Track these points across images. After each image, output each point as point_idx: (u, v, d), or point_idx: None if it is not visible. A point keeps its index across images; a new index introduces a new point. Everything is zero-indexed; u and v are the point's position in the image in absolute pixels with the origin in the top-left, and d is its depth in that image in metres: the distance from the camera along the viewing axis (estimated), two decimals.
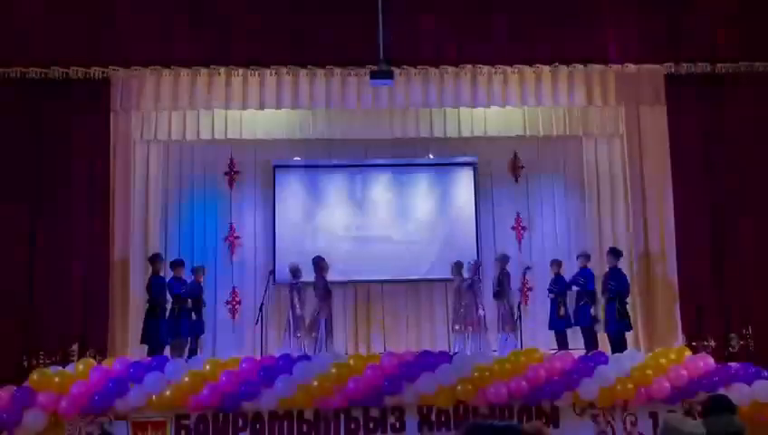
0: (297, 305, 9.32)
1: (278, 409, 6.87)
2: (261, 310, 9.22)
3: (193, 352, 8.88)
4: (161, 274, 8.89)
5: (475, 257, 9.99)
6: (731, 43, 8.68)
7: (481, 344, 9.09)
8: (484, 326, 9.28)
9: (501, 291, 9.30)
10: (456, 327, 9.51)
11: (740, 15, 8.71)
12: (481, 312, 9.31)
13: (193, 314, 9.01)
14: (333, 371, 6.89)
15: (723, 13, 8.70)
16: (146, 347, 8.58)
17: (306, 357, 7.44)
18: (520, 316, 9.25)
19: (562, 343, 8.98)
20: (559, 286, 9.24)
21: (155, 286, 8.71)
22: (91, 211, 8.53)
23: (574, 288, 9.11)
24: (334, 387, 6.80)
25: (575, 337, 9.25)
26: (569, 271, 9.48)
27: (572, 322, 9.09)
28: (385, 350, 9.55)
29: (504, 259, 9.51)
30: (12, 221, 8.30)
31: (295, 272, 9.54)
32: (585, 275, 9.12)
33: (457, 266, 9.79)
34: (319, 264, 9.47)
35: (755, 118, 8.80)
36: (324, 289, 9.32)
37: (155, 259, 8.92)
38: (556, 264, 9.48)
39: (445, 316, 10.52)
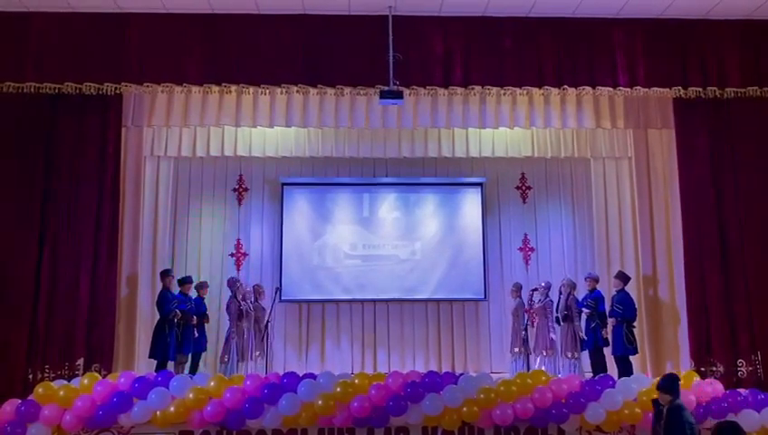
0: (230, 326, 9.13)
1: (282, 427, 6.84)
2: (266, 327, 9.22)
3: (194, 369, 8.87)
4: (171, 289, 8.92)
5: (547, 279, 9.87)
6: (739, 68, 8.72)
7: (555, 368, 8.97)
8: (556, 350, 9.19)
9: (568, 316, 9.11)
10: (516, 350, 9.39)
11: (748, 40, 8.76)
12: (553, 335, 9.21)
13: (195, 331, 9.01)
14: (338, 390, 6.85)
15: (731, 37, 8.76)
16: (152, 361, 8.58)
17: (312, 375, 7.41)
18: (581, 341, 9.05)
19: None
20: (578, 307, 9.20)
21: (165, 302, 8.72)
22: (99, 225, 8.57)
23: (585, 311, 9.05)
24: (338, 406, 6.77)
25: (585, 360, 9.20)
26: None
27: (583, 345, 9.04)
28: (390, 369, 9.52)
29: (571, 284, 9.33)
30: (21, 235, 8.34)
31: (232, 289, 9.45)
32: (594, 297, 9.08)
33: (517, 288, 9.76)
34: (233, 285, 9.33)
35: (763, 142, 8.80)
36: (236, 311, 9.10)
37: (166, 274, 8.95)
38: (569, 285, 9.43)
39: (450, 336, 10.51)
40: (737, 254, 8.68)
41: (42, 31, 8.44)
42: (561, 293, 9.34)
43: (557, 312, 9.26)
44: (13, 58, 8.38)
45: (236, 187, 10.74)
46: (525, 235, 10.89)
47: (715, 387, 7.27)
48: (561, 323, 9.17)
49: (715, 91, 8.72)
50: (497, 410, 6.78)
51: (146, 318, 9.01)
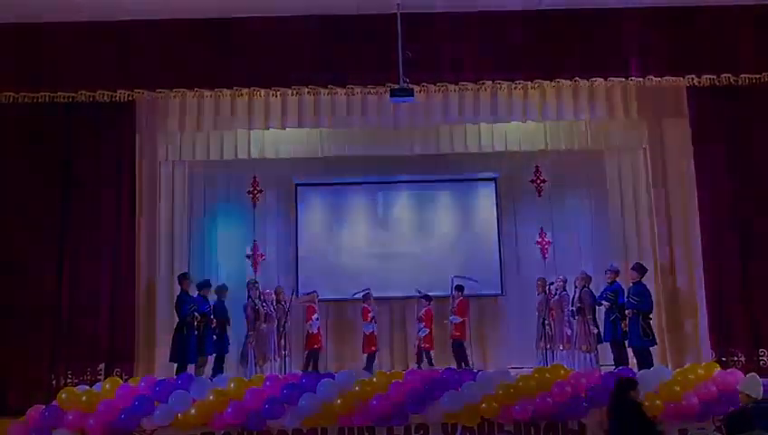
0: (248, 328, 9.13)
1: (302, 427, 6.87)
2: (284, 327, 9.27)
3: (218, 371, 8.93)
4: (189, 292, 8.98)
5: (562, 275, 9.79)
6: (753, 54, 8.60)
7: (573, 362, 8.93)
8: (573, 343, 9.16)
9: (581, 309, 9.06)
10: (542, 344, 9.37)
11: (761, 25, 8.64)
12: (568, 330, 9.19)
13: (216, 333, 9.06)
14: (357, 388, 6.87)
15: (744, 23, 8.64)
16: (173, 365, 8.65)
17: (330, 375, 7.44)
18: (599, 334, 9.01)
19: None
20: (593, 301, 9.14)
21: (183, 305, 8.78)
22: (117, 231, 8.68)
23: (604, 303, 8.99)
24: (358, 405, 6.79)
25: (603, 353, 9.15)
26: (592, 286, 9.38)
27: (602, 338, 8.99)
28: (408, 367, 9.53)
29: (585, 278, 9.27)
30: (40, 241, 8.47)
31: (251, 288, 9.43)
32: (614, 289, 9.00)
33: (542, 283, 9.71)
34: (249, 287, 9.32)
35: None
36: (253, 313, 9.08)
37: (183, 278, 9.02)
38: (584, 278, 9.37)
39: (467, 333, 10.46)
40: (755, 241, 8.57)
41: (54, 41, 8.55)
42: (576, 286, 9.30)
43: (572, 305, 9.22)
44: (27, 68, 8.52)
45: (251, 189, 10.80)
46: (542, 228, 10.83)
47: (736, 377, 7.19)
48: (576, 317, 9.12)
49: (729, 78, 8.61)
50: (517, 405, 6.76)
51: (165, 322, 9.08)
